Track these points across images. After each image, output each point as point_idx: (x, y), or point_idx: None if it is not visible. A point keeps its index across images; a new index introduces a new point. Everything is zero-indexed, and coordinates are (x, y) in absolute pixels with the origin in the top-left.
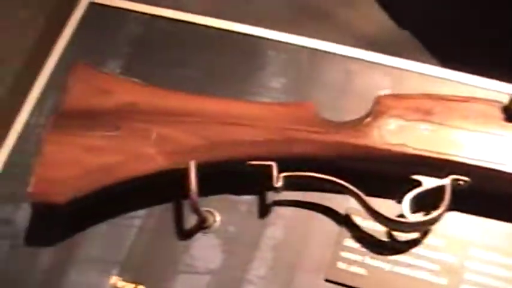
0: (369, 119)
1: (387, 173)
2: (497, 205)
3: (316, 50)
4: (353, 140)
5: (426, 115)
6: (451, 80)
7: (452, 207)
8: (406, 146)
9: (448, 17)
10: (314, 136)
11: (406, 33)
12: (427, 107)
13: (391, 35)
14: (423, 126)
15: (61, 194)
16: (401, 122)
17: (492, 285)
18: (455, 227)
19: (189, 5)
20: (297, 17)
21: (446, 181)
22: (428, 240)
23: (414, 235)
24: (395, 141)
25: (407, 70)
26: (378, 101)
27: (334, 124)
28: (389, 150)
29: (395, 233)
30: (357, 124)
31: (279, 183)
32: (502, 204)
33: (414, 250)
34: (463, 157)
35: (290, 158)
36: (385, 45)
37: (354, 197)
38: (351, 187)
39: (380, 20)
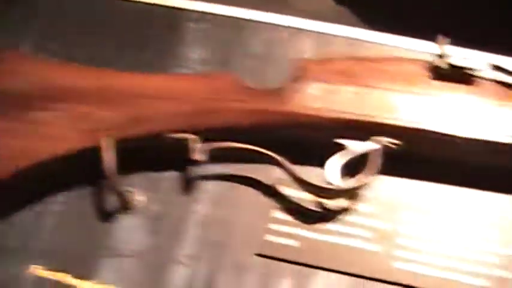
0: (290, 84)
1: (313, 139)
2: (428, 167)
3: (238, 18)
4: (275, 107)
5: (351, 78)
6: (376, 43)
7: (382, 172)
8: (330, 110)
9: None
10: (235, 105)
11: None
12: (351, 69)
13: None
14: (348, 89)
15: None
16: (324, 86)
17: (425, 249)
18: (386, 192)
19: None
20: None
21: (374, 145)
22: (359, 207)
23: (345, 202)
24: (319, 105)
25: (332, 35)
26: (300, 65)
27: (257, 92)
28: (312, 115)
29: (325, 202)
30: (279, 90)
31: (200, 156)
32: (433, 167)
33: (346, 218)
34: (390, 119)
35: (212, 129)
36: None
37: (279, 166)
38: (274, 155)
39: None
